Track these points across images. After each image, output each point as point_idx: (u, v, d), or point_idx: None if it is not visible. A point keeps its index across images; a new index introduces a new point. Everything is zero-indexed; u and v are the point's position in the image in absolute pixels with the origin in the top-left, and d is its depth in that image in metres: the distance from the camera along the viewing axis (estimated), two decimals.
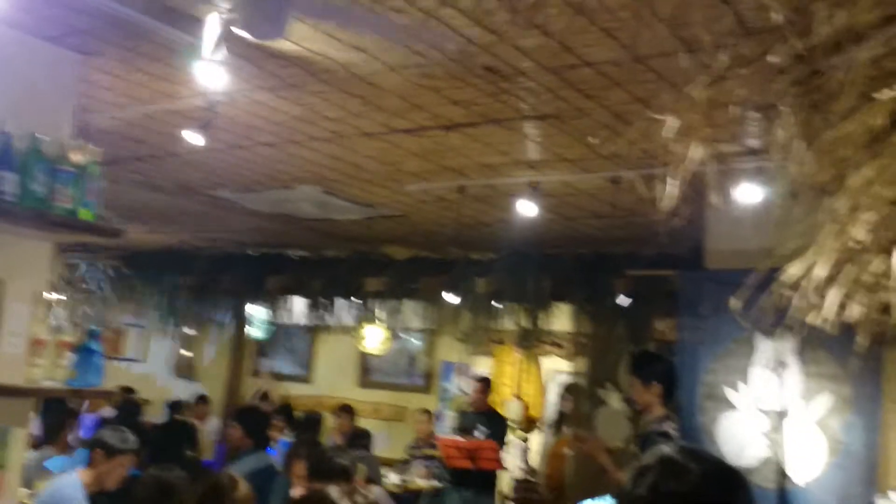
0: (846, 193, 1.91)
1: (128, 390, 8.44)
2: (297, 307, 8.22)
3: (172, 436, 7.50)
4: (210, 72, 3.13)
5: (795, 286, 2.03)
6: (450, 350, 8.20)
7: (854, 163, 1.92)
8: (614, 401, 6.19)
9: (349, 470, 3.70)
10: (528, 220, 5.37)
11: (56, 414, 6.05)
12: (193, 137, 3.88)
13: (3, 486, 3.03)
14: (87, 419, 7.57)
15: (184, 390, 9.53)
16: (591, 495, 2.23)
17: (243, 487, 3.07)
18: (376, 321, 7.53)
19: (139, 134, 4.38)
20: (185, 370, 10.06)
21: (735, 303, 2.24)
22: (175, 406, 8.55)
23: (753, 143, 3.82)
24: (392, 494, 6.06)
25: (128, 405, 7.81)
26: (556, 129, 3.80)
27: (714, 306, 4.68)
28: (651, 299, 5.60)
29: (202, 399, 9.21)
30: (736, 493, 1.42)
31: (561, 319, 6.78)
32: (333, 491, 2.52)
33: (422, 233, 6.59)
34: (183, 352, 10.00)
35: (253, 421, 5.77)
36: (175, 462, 4.78)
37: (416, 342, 9.00)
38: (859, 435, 4.20)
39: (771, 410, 4.44)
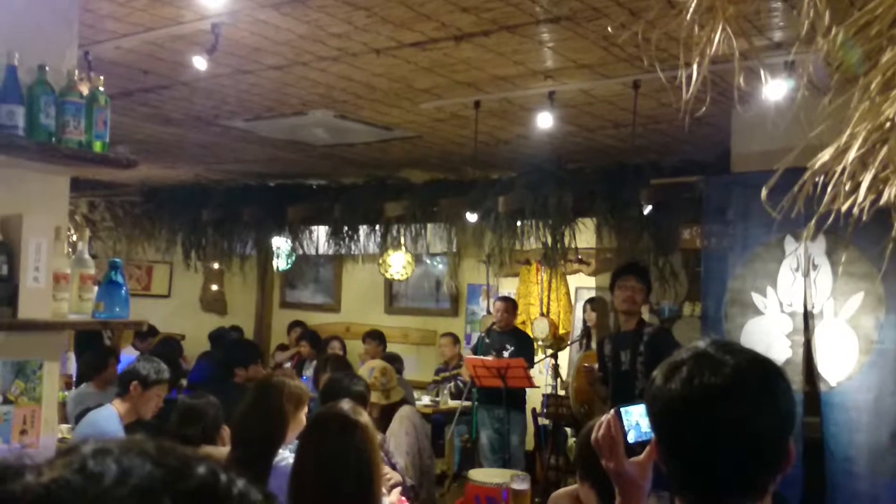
0: (878, 71, 1.80)
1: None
2: (321, 237, 8.23)
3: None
4: None
5: (828, 174, 1.95)
6: (475, 272, 8.19)
7: (886, 38, 1.81)
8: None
9: (363, 394, 3.80)
10: (546, 134, 5.26)
11: (97, 353, 6.14)
12: (199, 63, 3.80)
13: (39, 421, 3.07)
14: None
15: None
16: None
17: (294, 383, 3.12)
18: (399, 247, 7.50)
19: (146, 63, 4.30)
20: (213, 305, 10.15)
21: (764, 201, 2.15)
22: (217, 337, 8.61)
23: (778, 35, 3.67)
24: (424, 416, 6.15)
25: (168, 342, 7.90)
26: (572, 33, 3.66)
27: (741, 211, 4.59)
28: (676, 207, 5.51)
29: (235, 331, 9.27)
30: (771, 384, 1.38)
31: (586, 236, 6.71)
32: (346, 404, 2.56)
33: (439, 153, 6.49)
34: (212, 286, 10.07)
35: None
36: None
37: (440, 266, 9.00)
38: (893, 333, 4.14)
39: (801, 312, 4.39)
